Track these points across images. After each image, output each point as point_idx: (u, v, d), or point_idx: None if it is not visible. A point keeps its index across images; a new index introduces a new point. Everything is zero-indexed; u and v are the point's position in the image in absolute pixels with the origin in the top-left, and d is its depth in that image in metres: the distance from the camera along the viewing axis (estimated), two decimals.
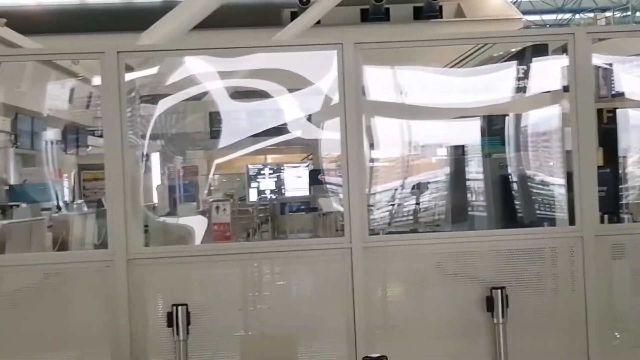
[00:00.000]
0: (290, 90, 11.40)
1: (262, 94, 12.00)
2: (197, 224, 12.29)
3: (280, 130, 12.51)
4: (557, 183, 8.22)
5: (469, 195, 10.14)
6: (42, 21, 24.57)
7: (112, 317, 6.06)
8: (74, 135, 20.82)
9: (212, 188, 15.80)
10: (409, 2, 25.13)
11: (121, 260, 6.06)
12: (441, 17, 25.10)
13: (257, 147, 13.46)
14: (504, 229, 8.52)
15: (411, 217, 10.52)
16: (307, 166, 13.20)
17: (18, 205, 16.80)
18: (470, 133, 10.09)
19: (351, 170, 6.40)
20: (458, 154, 10.35)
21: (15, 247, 14.68)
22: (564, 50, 6.85)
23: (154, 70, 8.37)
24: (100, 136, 21.09)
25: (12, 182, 20.90)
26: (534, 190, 9.32)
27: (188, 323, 6.02)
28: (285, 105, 11.85)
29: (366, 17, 24.99)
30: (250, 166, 13.39)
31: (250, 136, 12.90)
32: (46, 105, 18.82)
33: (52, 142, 20.03)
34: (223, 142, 13.06)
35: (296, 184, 13.23)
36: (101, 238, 15.19)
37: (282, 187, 13.30)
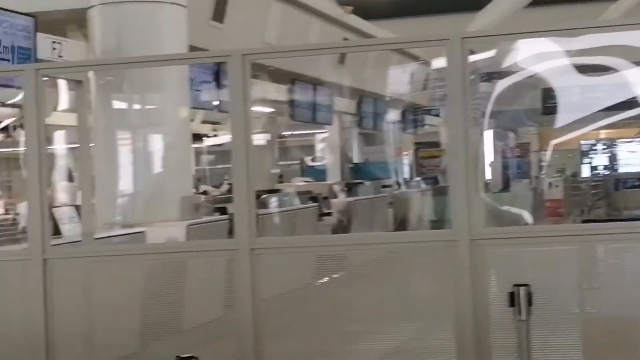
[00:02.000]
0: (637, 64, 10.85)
1: (600, 69, 11.58)
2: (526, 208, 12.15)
3: (622, 105, 11.97)
4: None
5: None
6: (382, 5, 25.28)
7: (456, 295, 6.15)
8: (412, 115, 21.33)
9: (543, 164, 15.55)
10: None
11: (464, 240, 6.13)
12: None
13: (596, 125, 13.02)
14: None
15: None
16: None
17: (362, 183, 17.48)
18: None
19: None
20: None
21: (360, 223, 15.36)
22: None
23: (492, 52, 8.37)
24: (437, 115, 21.52)
25: (355, 160, 21.84)
26: None
27: (529, 304, 5.98)
28: (629, 80, 11.32)
29: None
30: (582, 142, 13.02)
31: (588, 113, 12.49)
32: (388, 88, 19.42)
33: (392, 123, 20.65)
34: (557, 119, 12.77)
35: (630, 159, 12.66)
36: (438, 215, 15.48)
37: (616, 163, 12.80)
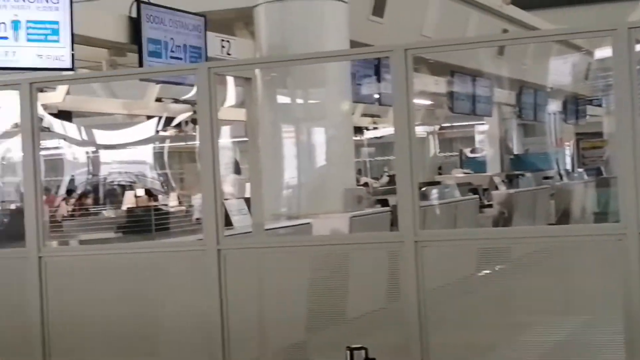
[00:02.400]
0: None
1: None
2: None
3: None
4: None
5: None
6: None
7: (625, 289, 6.05)
8: (573, 106, 20.91)
9: None
10: None
11: (633, 234, 6.03)
12: None
13: None
14: None
15: None
16: None
17: (523, 175, 17.27)
18: None
19: None
20: None
21: (522, 215, 15.19)
22: None
23: None
24: (599, 105, 21.01)
25: (516, 151, 21.59)
26: None
27: None
28: None
29: None
30: None
31: None
32: (549, 78, 19.10)
33: (553, 113, 20.32)
34: None
35: None
36: (602, 207, 15.12)
37: None
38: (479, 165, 21.91)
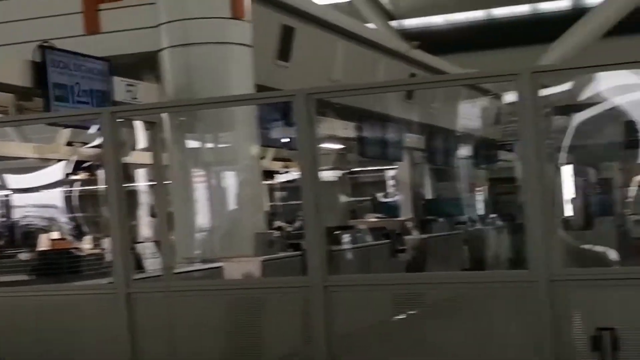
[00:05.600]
0: None
1: None
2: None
3: None
4: None
5: None
6: (451, 39, 25.21)
7: (535, 337, 5.99)
8: (485, 150, 21.11)
9: (628, 201, 15.16)
10: None
11: (543, 281, 5.97)
12: None
13: None
14: None
15: None
16: None
17: (435, 220, 17.33)
18: None
19: None
20: None
21: (434, 260, 15.15)
22: None
23: (568, 85, 8.21)
24: (511, 150, 21.24)
25: (428, 196, 21.69)
26: None
27: (615, 349, 5.76)
28: None
29: None
30: None
31: None
32: (458, 123, 19.30)
33: (464, 158, 20.48)
34: None
35: None
36: (515, 253, 15.17)
37: None
38: (392, 210, 21.95)
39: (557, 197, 10.44)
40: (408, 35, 19.11)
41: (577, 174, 13.60)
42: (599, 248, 11.91)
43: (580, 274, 6.32)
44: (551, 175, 6.90)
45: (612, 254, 11.62)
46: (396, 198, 22.42)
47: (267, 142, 13.89)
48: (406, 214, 20.03)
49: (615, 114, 12.60)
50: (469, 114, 19.42)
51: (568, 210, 12.98)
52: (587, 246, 11.77)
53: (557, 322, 5.98)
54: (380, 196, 25.14)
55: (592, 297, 6.10)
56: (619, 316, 6.03)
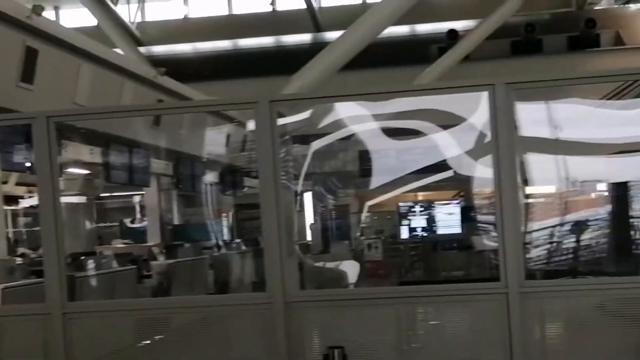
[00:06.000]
0: (444, 128, 11.33)
1: (412, 132, 11.98)
2: (350, 267, 12.35)
3: (435, 168, 12.39)
4: None
5: (633, 234, 9.76)
6: (197, 67, 25.36)
7: (272, 357, 6.16)
8: (231, 177, 21.35)
9: (363, 226, 15.88)
10: (563, 32, 24.51)
11: (278, 303, 6.16)
12: (598, 46, 24.31)
13: (410, 186, 13.44)
14: None
15: (571, 256, 10.23)
16: (459, 203, 13.08)
17: (182, 245, 17.31)
18: (633, 168, 9.71)
19: (506, 213, 6.24)
20: (620, 191, 9.98)
21: (180, 285, 15.14)
22: None
23: (306, 114, 8.54)
24: (256, 177, 21.61)
25: (175, 222, 21.62)
26: None
27: None
28: (438, 143, 11.78)
29: (517, 49, 24.48)
30: (401, 204, 13.37)
31: (403, 175, 12.88)
32: (205, 149, 19.42)
33: (210, 184, 20.62)
34: (374, 181, 13.12)
35: (448, 221, 13.12)
36: (259, 277, 15.48)
37: (434, 225, 13.21)
38: (139, 235, 21.74)
39: (298, 222, 10.78)
40: (156, 61, 19.02)
41: (316, 200, 14.07)
42: (336, 270, 12.39)
43: (314, 295, 6.59)
44: (289, 202, 7.15)
45: (349, 276, 12.15)
46: (144, 224, 22.21)
47: (9, 166, 13.38)
48: (154, 239, 19.88)
49: (350, 144, 13.21)
50: (216, 141, 19.61)
51: (308, 235, 13.41)
52: (326, 268, 12.23)
53: (294, 341, 6.17)
54: (127, 222, 24.82)
55: (326, 317, 6.36)
56: (349, 335, 6.31)
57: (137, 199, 23.38)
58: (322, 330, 6.38)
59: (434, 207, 13.36)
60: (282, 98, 6.76)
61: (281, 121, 6.58)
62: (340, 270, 12.74)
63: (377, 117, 10.78)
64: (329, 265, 12.86)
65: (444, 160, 11.96)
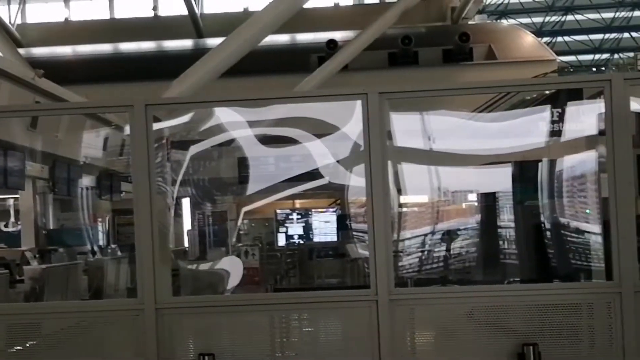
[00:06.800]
0: (319, 136, 11.45)
1: (290, 140, 12.07)
2: (232, 266, 12.34)
3: (310, 176, 12.52)
4: (594, 232, 7.97)
5: (501, 243, 10.04)
6: (78, 70, 24.91)
7: None
8: (108, 181, 21.05)
9: (241, 233, 15.89)
10: (438, 45, 25.09)
11: (150, 309, 6.13)
12: (472, 60, 25.01)
13: (285, 193, 13.53)
14: (537, 284, 8.08)
15: (441, 265, 10.47)
16: (335, 211, 13.23)
17: (56, 250, 16.99)
18: (501, 179, 9.99)
19: (377, 221, 6.35)
20: (489, 201, 10.26)
21: (53, 290, 14.85)
22: (600, 93, 6.61)
23: (185, 118, 8.51)
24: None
25: (51, 226, 21.19)
26: (570, 240, 9.15)
27: None
28: (314, 151, 11.91)
29: (394, 60, 24.93)
30: (278, 211, 13.44)
31: (279, 182, 12.96)
32: (82, 153, 19.12)
33: (87, 188, 20.29)
34: (251, 187, 13.15)
35: (324, 229, 13.26)
36: (134, 282, 15.31)
37: (310, 232, 13.32)
38: (13, 240, 21.25)
39: (175, 228, 10.71)
40: (36, 63, 18.55)
41: (194, 206, 14.01)
42: (213, 276, 12.35)
43: (187, 302, 6.57)
44: (165, 207, 7.11)
45: (232, 276, 12.15)
46: (18, 227, 21.72)
47: None
48: (28, 243, 19.45)
49: (229, 150, 13.21)
50: (93, 145, 19.33)
51: (185, 242, 13.34)
52: (204, 272, 12.19)
53: (165, 348, 6.14)
54: (1, 225, 24.23)
55: (199, 323, 6.35)
56: (222, 342, 6.32)
57: (11, 202, 22.82)
58: (195, 337, 6.37)
59: (310, 214, 13.47)
60: (158, 102, 6.72)
61: (158, 125, 6.55)
62: (220, 272, 12.72)
63: (255, 124, 10.82)
64: (208, 269, 12.82)
65: (318, 169, 12.10)
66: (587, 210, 8.61)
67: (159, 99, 7.71)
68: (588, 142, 8.50)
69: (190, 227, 13.23)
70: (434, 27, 26.97)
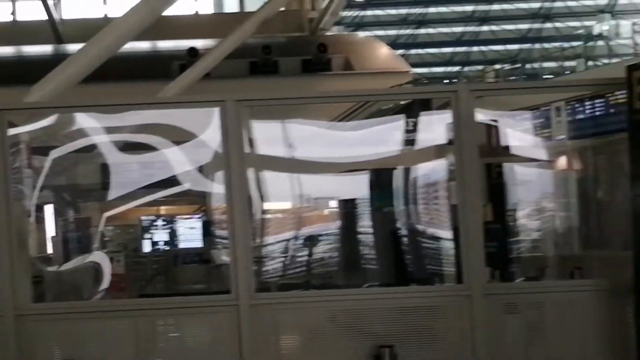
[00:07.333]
0: (179, 143, 11.47)
1: (152, 147, 12.03)
2: (102, 261, 12.22)
3: (170, 182, 12.50)
4: (446, 238, 8.26)
5: (360, 248, 10.27)
6: None
7: None
8: None
9: (106, 239, 15.70)
10: (298, 55, 25.36)
11: (9, 316, 6.05)
12: (330, 70, 25.41)
13: (147, 199, 13.46)
14: (394, 287, 8.47)
15: (304, 270, 10.63)
16: (200, 218, 13.25)
17: None
18: (360, 187, 10.22)
19: (237, 228, 6.45)
20: (349, 207, 10.49)
21: None
22: (448, 104, 6.88)
23: (45, 123, 8.41)
24: None
25: None
26: (425, 245, 9.44)
27: None
28: (174, 158, 11.91)
29: (255, 69, 25.10)
30: (143, 217, 13.35)
31: (141, 188, 12.89)
32: None
33: None
34: (113, 194, 13.02)
35: (190, 235, 13.25)
36: None
37: (176, 239, 13.29)
38: None
39: (37, 235, 10.53)
40: None
41: (58, 213, 13.75)
42: (80, 274, 12.18)
43: (48, 308, 6.51)
44: (23, 214, 7.02)
45: (91, 288, 12.00)
46: None
47: None
48: None
49: (91, 156, 13.05)
50: None
51: (49, 248, 13.09)
52: (67, 274, 12.01)
53: (26, 356, 6.08)
54: None
55: (62, 330, 6.29)
56: (85, 348, 6.29)
57: None
58: (58, 343, 6.31)
59: (175, 221, 13.43)
60: (12, 107, 6.64)
61: (14, 131, 6.47)
62: (87, 268, 12.57)
63: (116, 130, 10.75)
64: (73, 267, 12.63)
65: (177, 176, 12.10)
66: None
67: (13, 104, 7.61)
68: (439, 151, 8.77)
69: (54, 234, 13.01)
70: (293, 37, 27.22)
